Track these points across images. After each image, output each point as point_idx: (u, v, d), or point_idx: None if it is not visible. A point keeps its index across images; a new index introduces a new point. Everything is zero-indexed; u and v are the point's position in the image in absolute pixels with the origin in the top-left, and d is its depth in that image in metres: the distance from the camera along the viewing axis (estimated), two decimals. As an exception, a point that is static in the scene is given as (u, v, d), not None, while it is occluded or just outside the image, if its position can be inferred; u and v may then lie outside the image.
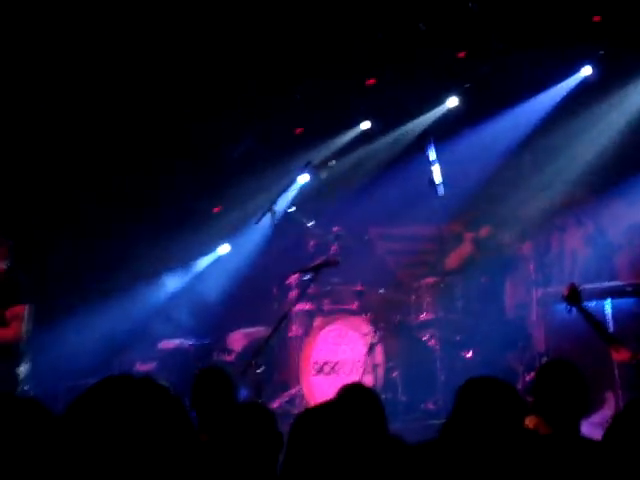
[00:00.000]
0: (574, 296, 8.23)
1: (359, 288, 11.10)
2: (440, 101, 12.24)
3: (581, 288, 8.47)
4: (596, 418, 8.43)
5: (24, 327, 8.64)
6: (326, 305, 11.17)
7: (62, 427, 3.46)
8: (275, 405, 10.67)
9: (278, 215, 10.55)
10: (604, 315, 9.81)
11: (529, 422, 5.24)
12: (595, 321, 8.13)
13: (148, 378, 4.40)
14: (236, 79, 11.81)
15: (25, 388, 8.61)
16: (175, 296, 12.93)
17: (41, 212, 11.86)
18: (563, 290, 8.39)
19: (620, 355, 7.78)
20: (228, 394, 6.48)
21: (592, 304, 9.85)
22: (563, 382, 5.55)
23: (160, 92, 11.83)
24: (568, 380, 5.56)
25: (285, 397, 11.05)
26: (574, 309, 8.26)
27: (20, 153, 11.72)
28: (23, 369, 8.67)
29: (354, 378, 10.07)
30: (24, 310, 8.67)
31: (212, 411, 6.31)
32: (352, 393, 5.59)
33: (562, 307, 9.82)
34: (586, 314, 8.19)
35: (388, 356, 10.54)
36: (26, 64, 10.86)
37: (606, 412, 9.43)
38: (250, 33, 11.16)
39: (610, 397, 9.62)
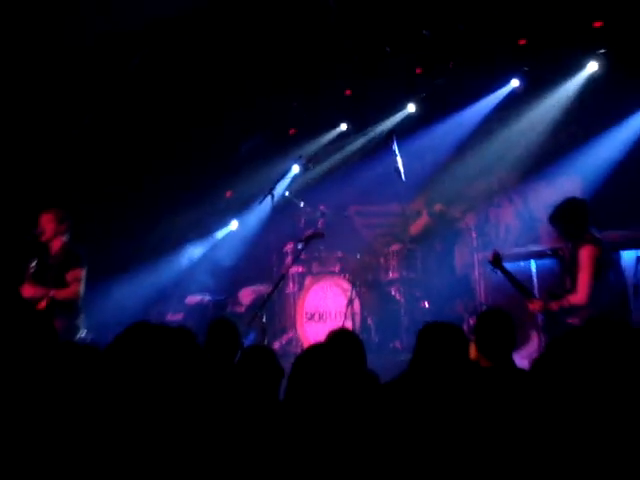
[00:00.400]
0: (497, 261, 8.16)
1: (340, 254, 11.13)
2: (402, 107, 12.25)
3: (510, 252, 8.48)
4: (524, 352, 8.55)
5: (81, 287, 8.67)
6: (315, 268, 11.20)
7: (104, 360, 3.55)
8: (276, 346, 10.73)
9: (276, 198, 10.53)
10: (530, 272, 9.89)
11: (471, 351, 5.31)
12: (514, 279, 8.12)
13: (182, 327, 4.47)
14: (245, 93, 11.82)
15: (82, 336, 8.64)
16: (197, 261, 12.98)
17: (95, 192, 11.90)
18: (488, 256, 8.36)
19: (533, 306, 7.80)
20: (234, 339, 6.52)
21: (521, 264, 9.95)
22: (497, 325, 5.61)
23: (189, 105, 11.87)
24: (500, 323, 5.62)
25: (284, 339, 11.09)
26: (498, 271, 8.25)
27: (65, 132, 11.73)
28: (80, 321, 8.70)
29: (338, 324, 10.10)
30: (81, 273, 8.69)
31: (222, 353, 6.35)
32: (340, 335, 5.68)
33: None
34: (506, 274, 8.13)
35: (364, 307, 10.56)
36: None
37: (531, 347, 9.50)
38: (258, 61, 11.21)
39: (534, 335, 9.66)
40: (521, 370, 5.44)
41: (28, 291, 8.50)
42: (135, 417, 3.33)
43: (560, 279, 8.08)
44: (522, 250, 10.32)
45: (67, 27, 10.25)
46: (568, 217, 7.85)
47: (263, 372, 4.89)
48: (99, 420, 3.36)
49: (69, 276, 8.58)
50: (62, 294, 8.49)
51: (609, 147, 10.84)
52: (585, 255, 7.63)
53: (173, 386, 3.46)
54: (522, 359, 8.01)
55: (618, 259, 9.38)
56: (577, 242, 7.75)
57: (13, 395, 3.54)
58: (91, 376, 3.59)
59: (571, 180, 11.34)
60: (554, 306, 7.66)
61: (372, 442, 3.64)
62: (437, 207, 11.45)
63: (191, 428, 3.41)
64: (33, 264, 8.65)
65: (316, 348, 4.05)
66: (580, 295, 7.61)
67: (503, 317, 5.71)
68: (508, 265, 8.62)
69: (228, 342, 6.42)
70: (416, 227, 11.33)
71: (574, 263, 7.71)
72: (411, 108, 12.22)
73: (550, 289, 8.09)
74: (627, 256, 9.37)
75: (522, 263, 9.97)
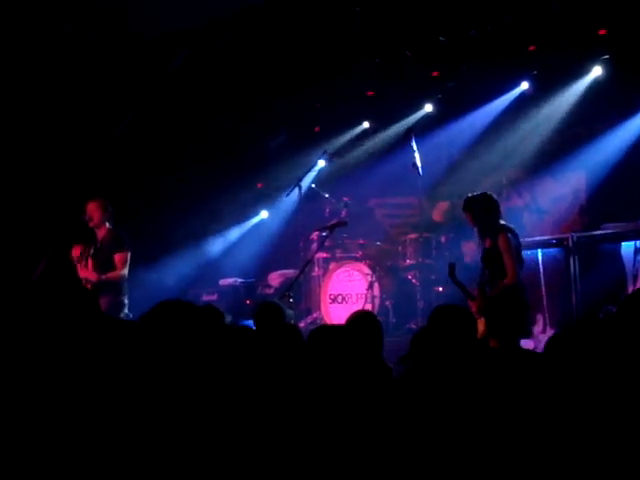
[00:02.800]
0: (451, 272, 8.29)
1: (362, 242, 11.17)
2: (420, 107, 12.22)
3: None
4: (529, 333, 8.57)
5: (127, 269, 8.83)
6: (338, 254, 11.22)
7: (138, 331, 3.65)
8: (302, 325, 10.76)
9: (303, 189, 10.59)
10: (537, 260, 9.90)
11: (479, 327, 5.35)
12: (465, 289, 8.21)
13: (210, 305, 4.52)
14: (275, 95, 11.91)
15: (126, 311, 8.79)
16: (231, 247, 13.04)
17: (142, 183, 12.07)
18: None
19: (473, 308, 7.92)
20: (279, 318, 6.58)
21: (527, 253, 9.96)
22: (506, 308, 5.59)
23: (226, 104, 11.99)
24: (509, 306, 5.60)
25: (309, 319, 11.13)
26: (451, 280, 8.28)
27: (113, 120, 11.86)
28: (125, 299, 8.84)
29: (358, 306, 10.16)
30: (127, 256, 8.86)
31: (269, 328, 6.38)
32: (361, 316, 5.78)
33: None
34: (457, 283, 8.26)
35: (382, 290, 10.61)
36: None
37: (537, 328, 9.53)
38: (288, 63, 11.29)
39: (539, 318, 9.70)
40: (526, 351, 5.44)
41: (84, 272, 8.72)
42: (163, 383, 3.43)
43: (482, 273, 8.22)
44: (529, 240, 10.33)
45: (108, 28, 10.35)
46: (485, 210, 8.14)
47: (291, 347, 4.94)
48: (132, 385, 3.46)
49: (117, 258, 8.77)
50: (111, 275, 8.71)
51: (612, 145, 10.83)
52: (503, 241, 7.95)
53: (197, 356, 3.55)
54: (527, 340, 8.05)
55: (618, 249, 9.42)
56: (493, 234, 8.03)
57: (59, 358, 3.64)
58: (130, 347, 3.68)
59: (576, 175, 11.35)
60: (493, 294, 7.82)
61: (381, 416, 3.69)
62: (442, 205, 11.45)
63: (211, 398, 3.48)
64: (92, 249, 8.84)
65: (327, 329, 4.13)
66: (510, 276, 7.87)
67: (512, 301, 5.72)
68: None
69: (275, 322, 6.47)
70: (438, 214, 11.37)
71: (496, 253, 7.95)
72: (428, 108, 12.16)
73: (480, 285, 8.15)
74: (626, 247, 9.40)
75: (529, 252, 9.98)
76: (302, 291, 11.33)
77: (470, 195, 8.32)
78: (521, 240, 10.08)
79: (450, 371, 4.03)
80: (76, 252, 8.90)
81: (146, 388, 3.46)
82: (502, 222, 8.19)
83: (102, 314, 4.76)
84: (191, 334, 3.68)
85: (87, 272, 8.71)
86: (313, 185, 11.34)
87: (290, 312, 7.08)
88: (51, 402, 3.39)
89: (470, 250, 10.84)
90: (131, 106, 11.85)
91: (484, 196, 8.26)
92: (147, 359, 3.56)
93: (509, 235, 8.04)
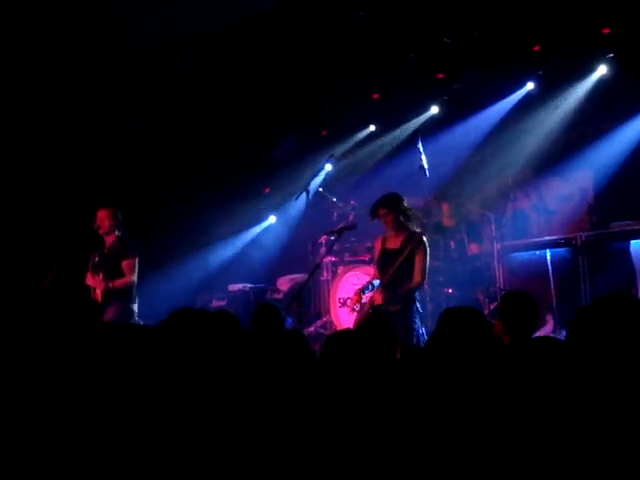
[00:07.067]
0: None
1: (370, 245, 11.11)
2: (426, 109, 12.22)
3: (526, 242, 8.47)
4: (539, 334, 8.53)
5: (135, 275, 8.82)
6: (346, 257, 11.22)
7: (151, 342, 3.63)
8: (311, 329, 10.77)
9: (311, 193, 10.55)
10: (545, 260, 9.87)
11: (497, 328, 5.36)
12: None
13: (222, 310, 4.50)
14: (282, 100, 11.92)
15: (136, 319, 8.77)
16: (240, 252, 13.03)
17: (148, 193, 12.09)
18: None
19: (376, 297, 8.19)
20: (278, 322, 6.54)
21: (536, 253, 9.95)
22: (521, 305, 5.56)
23: (234, 111, 12.02)
24: (525, 304, 5.57)
25: (319, 324, 11.12)
26: None
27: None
28: (136, 306, 8.83)
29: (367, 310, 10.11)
30: (135, 263, 8.84)
31: (267, 333, 6.35)
32: (374, 318, 5.77)
33: (515, 255, 9.98)
34: None
35: (391, 292, 10.57)
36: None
37: (547, 329, 9.50)
38: (293, 68, 11.30)
39: (550, 318, 9.66)
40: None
41: (90, 280, 8.72)
42: (179, 392, 3.40)
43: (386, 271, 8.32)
44: (538, 240, 10.30)
45: (114, 36, 10.36)
46: (405, 212, 8.35)
47: (296, 355, 4.90)
48: (146, 393, 3.43)
49: (124, 265, 8.76)
50: (119, 283, 8.70)
51: (618, 143, 10.81)
52: (423, 245, 8.18)
53: (213, 365, 3.52)
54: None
55: (627, 248, 9.39)
56: (409, 236, 8.26)
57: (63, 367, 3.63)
58: (145, 354, 3.67)
59: (583, 174, 11.32)
60: (400, 292, 8.11)
61: (400, 419, 3.66)
62: (444, 206, 11.43)
63: (225, 406, 3.45)
64: (96, 256, 8.86)
65: (341, 335, 4.09)
66: (420, 280, 8.23)
67: (527, 298, 5.70)
68: (524, 254, 8.60)
69: (272, 325, 6.43)
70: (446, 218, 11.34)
71: (404, 253, 8.16)
72: (434, 110, 12.16)
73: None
74: (635, 245, 9.37)
75: (537, 252, 9.96)
76: (311, 295, 11.33)
77: (390, 195, 8.43)
78: (529, 240, 10.13)
79: (467, 371, 3.99)
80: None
81: (158, 395, 3.43)
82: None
83: (105, 324, 4.76)
84: (207, 341, 3.66)
85: (95, 280, 8.71)
86: (320, 189, 11.32)
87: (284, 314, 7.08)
88: (55, 411, 3.37)
89: (482, 250, 10.82)
90: (138, 114, 11.86)
91: (402, 198, 8.40)
92: (163, 366, 3.54)
93: (426, 239, 8.25)
